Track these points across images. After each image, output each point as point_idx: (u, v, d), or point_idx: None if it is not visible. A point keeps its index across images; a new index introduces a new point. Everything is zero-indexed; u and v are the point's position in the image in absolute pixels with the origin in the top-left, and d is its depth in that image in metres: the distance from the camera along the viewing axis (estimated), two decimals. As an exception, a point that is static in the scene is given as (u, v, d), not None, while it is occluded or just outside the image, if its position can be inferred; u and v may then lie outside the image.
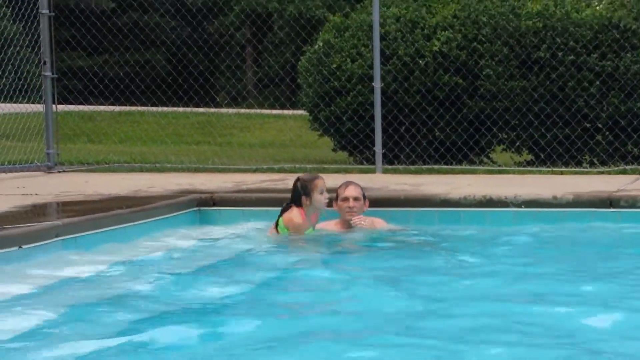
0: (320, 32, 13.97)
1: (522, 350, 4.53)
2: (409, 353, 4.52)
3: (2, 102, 12.97)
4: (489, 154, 13.40)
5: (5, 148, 12.96)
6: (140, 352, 4.54)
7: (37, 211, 8.36)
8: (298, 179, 8.18)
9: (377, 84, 12.19)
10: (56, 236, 7.18)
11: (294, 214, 8.02)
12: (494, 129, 12.66)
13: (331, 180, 9.36)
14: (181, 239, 8.19)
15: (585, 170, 12.01)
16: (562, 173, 11.73)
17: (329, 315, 5.39)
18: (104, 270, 6.75)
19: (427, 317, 5.28)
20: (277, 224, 8.04)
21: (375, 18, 12.20)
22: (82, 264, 6.89)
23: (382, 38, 12.63)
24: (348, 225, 8.39)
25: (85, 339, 4.78)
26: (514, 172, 11.94)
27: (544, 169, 12.06)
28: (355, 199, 8.36)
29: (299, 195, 8.06)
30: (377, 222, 8.51)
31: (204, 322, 5.13)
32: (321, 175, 8.44)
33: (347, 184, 8.52)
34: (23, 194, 9.56)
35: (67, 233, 7.29)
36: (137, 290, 6.04)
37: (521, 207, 8.77)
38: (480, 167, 12.39)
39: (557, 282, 6.29)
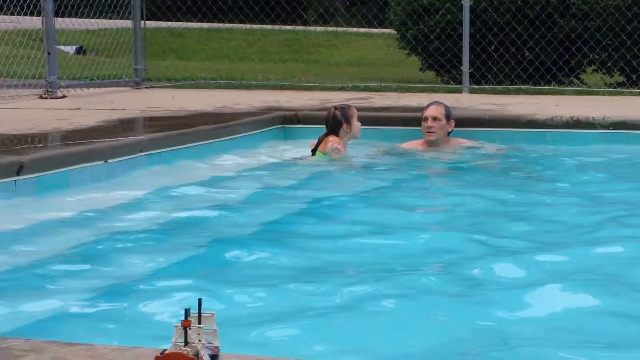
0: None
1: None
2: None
3: (92, 18, 13.08)
4: (579, 75, 13.15)
5: (95, 63, 13.09)
6: (204, 268, 4.59)
7: (123, 126, 8.44)
8: (335, 108, 8.12)
9: (466, 2, 11.98)
10: (140, 151, 7.25)
11: (339, 141, 7.96)
12: (585, 49, 12.40)
13: (418, 99, 9.31)
14: (265, 156, 8.21)
15: (679, 91, 11.73)
16: (654, 95, 11.48)
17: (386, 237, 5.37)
18: (185, 186, 6.80)
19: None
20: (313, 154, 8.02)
21: None
22: (165, 179, 6.96)
23: (473, -45, 12.38)
24: (430, 145, 8.35)
25: (158, 253, 4.85)
26: (603, 94, 11.70)
27: (635, 90, 11.80)
28: (434, 118, 8.28)
29: (339, 123, 7.96)
30: (464, 142, 8.46)
31: (276, 244, 5.16)
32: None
33: (429, 104, 8.45)
34: (111, 109, 9.67)
35: (151, 148, 7.36)
36: (214, 208, 6.08)
37: (609, 129, 8.61)
38: (569, 88, 12.17)
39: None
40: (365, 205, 6.31)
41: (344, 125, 7.94)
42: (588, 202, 6.32)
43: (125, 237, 5.21)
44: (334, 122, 7.98)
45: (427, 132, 8.30)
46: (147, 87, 12.59)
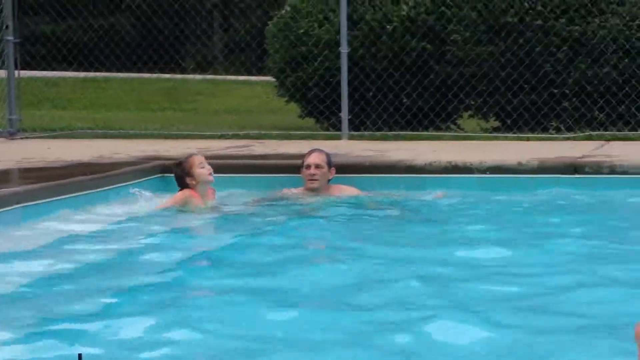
0: (287, -3, 13.84)
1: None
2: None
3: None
4: (456, 121, 13.36)
5: (-33, 114, 12.81)
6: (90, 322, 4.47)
7: (-3, 178, 8.24)
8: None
9: (344, 49, 12.11)
10: (17, 203, 7.08)
11: (177, 195, 8.00)
12: (461, 95, 12.62)
13: (298, 147, 9.32)
14: (144, 206, 8.09)
15: (552, 136, 12.00)
16: (528, 139, 11.71)
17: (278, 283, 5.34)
18: (64, 238, 6.65)
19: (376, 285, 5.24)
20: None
21: (343, -18, 12.10)
22: (42, 232, 6.81)
23: (350, 2, 12.53)
24: (312, 193, 8.36)
25: (44, 312, 4.71)
26: (480, 139, 11.91)
27: (510, 135, 12.03)
28: (317, 166, 8.32)
29: (182, 178, 8.02)
30: (345, 190, 8.49)
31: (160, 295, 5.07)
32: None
33: (311, 151, 8.49)
34: (-16, 161, 9.43)
35: (28, 200, 7.19)
36: (96, 260, 5.96)
37: (486, 174, 8.74)
38: (447, 134, 12.35)
39: (519, 249, 6.28)
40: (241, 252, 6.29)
41: (187, 179, 7.96)
42: (465, 245, 6.41)
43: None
44: (178, 179, 8.08)
45: (310, 180, 8.32)
46: (22, 138, 12.35)
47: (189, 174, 7.94)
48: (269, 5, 15.16)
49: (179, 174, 8.04)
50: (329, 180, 8.42)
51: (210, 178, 7.97)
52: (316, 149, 8.56)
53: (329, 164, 8.41)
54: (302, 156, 8.49)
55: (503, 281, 5.36)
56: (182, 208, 7.87)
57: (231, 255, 6.25)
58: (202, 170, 7.94)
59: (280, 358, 4.01)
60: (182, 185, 8.01)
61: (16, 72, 12.53)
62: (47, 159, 9.64)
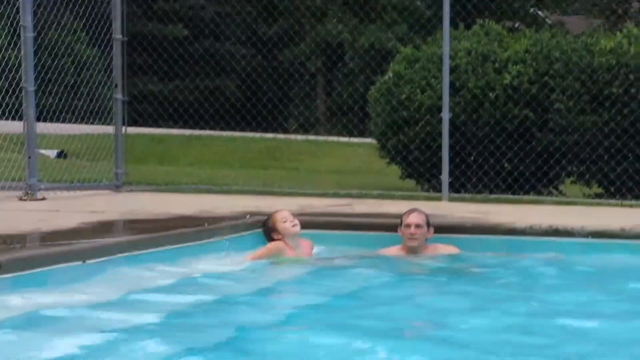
0: (390, 63, 13.95)
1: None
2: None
3: (75, 123, 13.15)
4: (557, 186, 13.24)
5: (76, 167, 13.12)
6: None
7: (102, 228, 8.42)
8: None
9: (446, 115, 12.14)
10: (119, 252, 7.22)
11: (270, 244, 8.24)
12: (563, 162, 12.53)
13: (398, 207, 9.34)
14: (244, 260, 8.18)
15: (656, 204, 11.81)
16: (631, 206, 11.54)
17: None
18: (164, 287, 6.75)
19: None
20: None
21: (446, 50, 12.17)
22: (144, 281, 6.92)
23: (452, 70, 12.58)
24: (410, 251, 8.38)
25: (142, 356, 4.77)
26: (581, 204, 11.78)
27: (613, 201, 11.88)
28: (417, 226, 8.36)
29: (269, 235, 8.30)
30: (442, 248, 8.49)
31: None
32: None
33: (410, 211, 8.52)
34: (90, 211, 9.65)
35: (130, 250, 7.32)
36: (193, 312, 6.02)
37: (587, 238, 8.65)
38: (548, 198, 12.25)
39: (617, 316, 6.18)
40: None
41: (274, 234, 8.24)
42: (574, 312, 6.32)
43: (103, 338, 5.15)
44: (266, 236, 8.36)
45: (410, 239, 8.35)
46: (127, 191, 12.60)
47: (274, 230, 8.25)
48: (371, 71, 15.31)
49: (265, 231, 8.33)
50: (426, 240, 8.45)
51: (294, 230, 8.20)
52: (415, 209, 8.60)
53: (428, 224, 8.45)
54: (401, 216, 8.52)
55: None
56: (274, 259, 7.99)
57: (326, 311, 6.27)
58: (285, 224, 8.20)
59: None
60: (270, 240, 8.27)
61: (123, 128, 12.81)
62: (151, 212, 9.80)
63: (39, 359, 4.75)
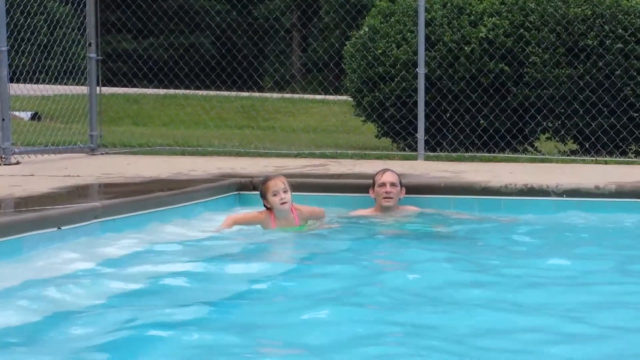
0: (366, 17, 13.90)
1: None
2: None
3: (48, 84, 13.06)
4: (533, 143, 13.28)
5: (50, 129, 13.04)
6: (163, 338, 4.50)
7: (77, 192, 8.39)
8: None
9: (422, 70, 12.12)
10: (95, 218, 7.19)
11: (253, 213, 7.98)
12: (539, 117, 12.55)
13: (374, 166, 9.34)
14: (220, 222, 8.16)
15: (631, 160, 11.87)
16: (606, 163, 11.60)
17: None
18: (140, 252, 6.74)
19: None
20: None
21: (421, 3, 12.11)
22: (119, 246, 6.90)
23: (428, 24, 12.55)
24: (384, 211, 8.38)
25: (116, 324, 4.76)
26: (557, 161, 11.82)
27: (588, 158, 11.93)
28: (392, 184, 8.36)
29: (263, 199, 7.91)
30: (413, 210, 8.51)
31: (231, 312, 5.10)
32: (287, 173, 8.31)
33: (384, 170, 8.51)
34: (65, 175, 9.61)
35: (105, 215, 7.30)
36: (171, 275, 6.02)
37: (562, 197, 8.68)
38: (523, 156, 12.29)
39: (593, 273, 6.21)
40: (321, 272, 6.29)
41: (264, 202, 7.89)
42: (540, 269, 6.35)
43: (77, 307, 5.13)
44: (261, 197, 7.95)
45: (385, 198, 8.34)
46: (102, 154, 12.55)
47: (265, 198, 7.87)
48: (347, 26, 15.23)
49: (260, 193, 7.95)
50: (399, 200, 8.46)
51: (281, 207, 7.79)
52: (388, 169, 8.60)
53: (401, 184, 8.46)
54: (374, 176, 8.52)
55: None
56: (252, 227, 7.87)
57: (308, 275, 6.27)
58: (274, 198, 7.78)
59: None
60: (264, 205, 7.93)
61: (98, 88, 12.72)
62: (126, 175, 9.78)
63: (11, 325, 4.73)
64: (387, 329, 4.77)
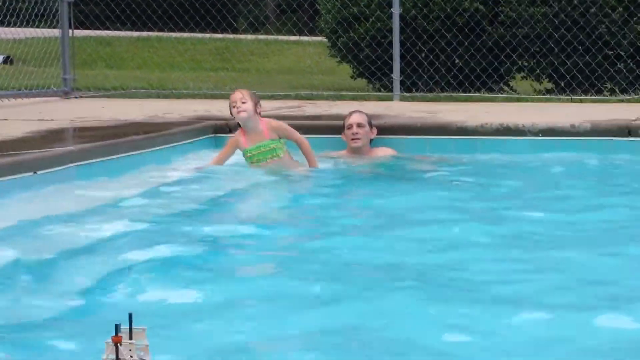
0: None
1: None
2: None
3: (20, 27, 12.92)
4: (508, 82, 13.27)
5: (23, 73, 12.93)
6: (141, 283, 4.51)
7: (52, 137, 8.34)
8: None
9: (396, 10, 12.05)
10: (70, 162, 7.16)
11: (226, 145, 8.02)
12: (514, 56, 12.53)
13: (349, 108, 9.33)
14: (195, 166, 8.15)
15: (606, 98, 11.90)
16: (581, 101, 11.62)
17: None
18: (116, 197, 6.72)
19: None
20: None
21: (396, -62, 12.01)
22: (95, 190, 6.88)
23: (403, -38, 12.46)
24: (355, 152, 8.40)
25: (96, 269, 4.76)
26: (532, 100, 11.83)
27: (564, 97, 11.94)
28: (359, 125, 8.37)
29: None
30: (387, 151, 8.52)
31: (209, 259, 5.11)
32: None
33: (351, 112, 8.56)
34: (39, 120, 9.55)
35: (81, 159, 7.27)
36: (147, 219, 6.01)
37: (538, 136, 8.70)
38: (499, 95, 12.28)
39: (569, 212, 6.26)
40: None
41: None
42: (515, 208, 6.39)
43: (55, 250, 5.13)
44: None
45: (353, 139, 8.36)
46: (76, 97, 12.46)
47: (231, 113, 7.88)
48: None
49: None
50: (371, 141, 8.46)
51: (238, 116, 7.71)
52: (356, 110, 8.64)
53: (370, 124, 8.46)
54: (343, 118, 8.54)
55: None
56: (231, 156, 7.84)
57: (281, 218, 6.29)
58: (233, 110, 7.76)
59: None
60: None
61: (70, 31, 12.60)
62: (101, 119, 9.73)
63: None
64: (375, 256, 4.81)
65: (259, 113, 7.85)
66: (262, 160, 7.79)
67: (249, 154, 7.79)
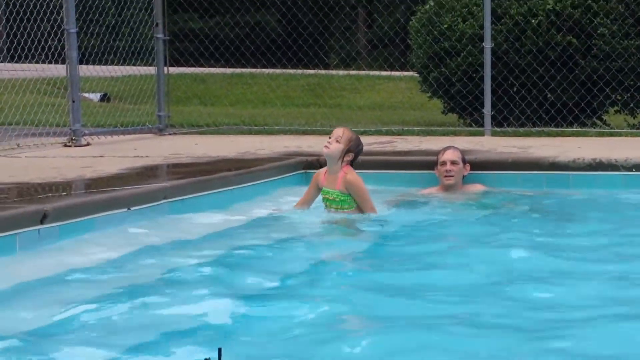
0: (431, -8, 13.82)
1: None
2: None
3: (117, 65, 13.20)
4: (601, 116, 13.13)
5: (119, 110, 13.20)
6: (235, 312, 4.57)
7: (146, 173, 8.49)
8: None
9: (488, 44, 12.03)
10: (164, 198, 7.27)
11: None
12: (607, 90, 12.41)
13: (440, 143, 9.33)
14: (287, 202, 8.20)
15: (702, 132, 11.70)
16: (677, 135, 11.45)
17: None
18: (210, 232, 6.81)
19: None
20: None
21: (487, -24, 12.02)
22: (189, 226, 6.98)
23: (494, -3, 12.45)
24: (448, 190, 8.36)
25: (187, 300, 4.84)
26: (626, 135, 11.68)
27: (659, 131, 11.79)
28: (453, 162, 8.33)
29: None
30: (478, 187, 8.48)
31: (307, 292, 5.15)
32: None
33: (445, 148, 8.51)
34: (134, 156, 9.73)
35: (174, 195, 7.38)
36: (239, 253, 6.08)
37: (632, 171, 8.59)
38: (592, 130, 12.16)
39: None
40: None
41: None
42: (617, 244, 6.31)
43: (150, 284, 5.22)
44: None
45: (446, 176, 8.33)
46: (170, 134, 12.66)
47: None
48: (412, 0, 15.16)
49: None
50: (463, 177, 8.43)
51: (323, 150, 7.52)
52: (450, 146, 8.59)
53: (464, 161, 8.43)
54: (437, 154, 8.51)
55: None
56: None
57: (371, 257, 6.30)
58: (326, 142, 7.55)
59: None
60: None
61: (165, 69, 12.82)
62: (194, 155, 9.86)
63: (76, 308, 4.82)
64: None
65: (343, 159, 7.49)
66: (329, 207, 7.59)
67: (323, 195, 7.71)
